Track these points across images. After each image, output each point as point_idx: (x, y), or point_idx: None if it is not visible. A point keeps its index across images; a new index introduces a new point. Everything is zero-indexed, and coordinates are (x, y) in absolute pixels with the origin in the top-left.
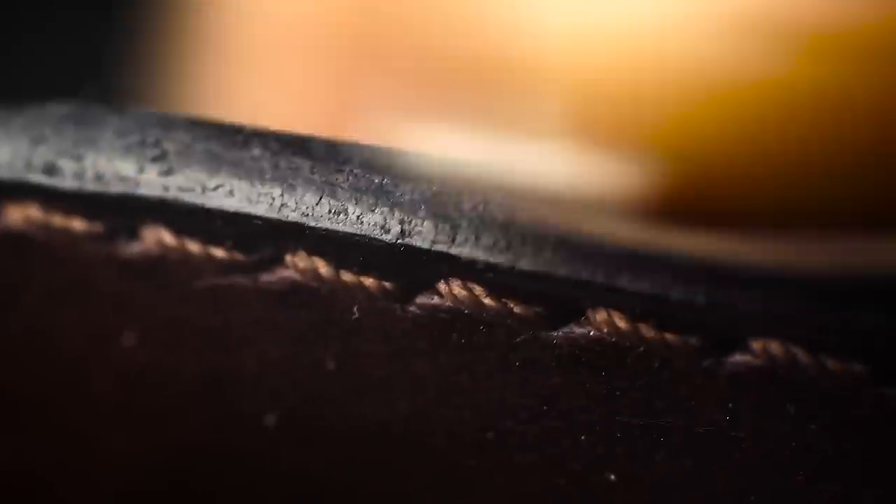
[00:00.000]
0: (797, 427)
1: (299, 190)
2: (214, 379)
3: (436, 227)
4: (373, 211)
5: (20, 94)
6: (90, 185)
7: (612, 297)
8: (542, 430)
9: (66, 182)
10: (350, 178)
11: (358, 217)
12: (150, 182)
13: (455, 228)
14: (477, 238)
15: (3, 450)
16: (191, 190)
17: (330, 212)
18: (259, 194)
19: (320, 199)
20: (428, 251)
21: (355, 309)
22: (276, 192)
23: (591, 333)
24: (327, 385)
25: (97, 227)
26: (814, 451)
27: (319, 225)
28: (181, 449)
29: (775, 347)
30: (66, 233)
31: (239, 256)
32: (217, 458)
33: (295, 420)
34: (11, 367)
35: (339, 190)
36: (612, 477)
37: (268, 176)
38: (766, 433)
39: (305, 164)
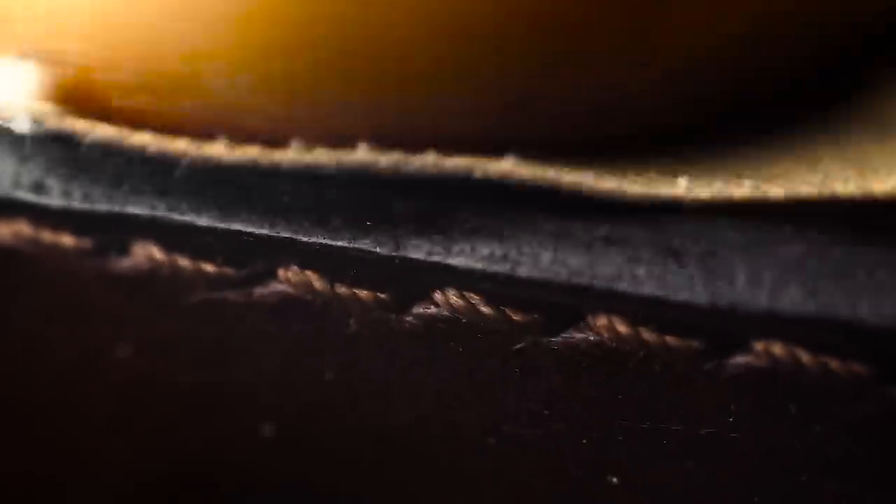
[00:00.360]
0: (800, 428)
1: (292, 208)
2: (208, 392)
3: (430, 238)
4: (367, 224)
5: None
6: (78, 204)
7: (612, 302)
8: (544, 435)
9: (55, 200)
10: (340, 190)
11: (351, 230)
12: (139, 200)
13: (450, 239)
14: (473, 248)
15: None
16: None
17: (321, 226)
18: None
19: (310, 213)
20: (423, 262)
21: (351, 321)
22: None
23: (592, 338)
24: (323, 397)
25: (86, 242)
26: (817, 452)
27: (312, 240)
28: (176, 462)
29: (777, 349)
30: (56, 248)
31: (230, 271)
32: (212, 470)
33: (291, 433)
34: (3, 382)
35: (331, 203)
36: (614, 480)
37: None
38: (769, 435)
39: (292, 182)
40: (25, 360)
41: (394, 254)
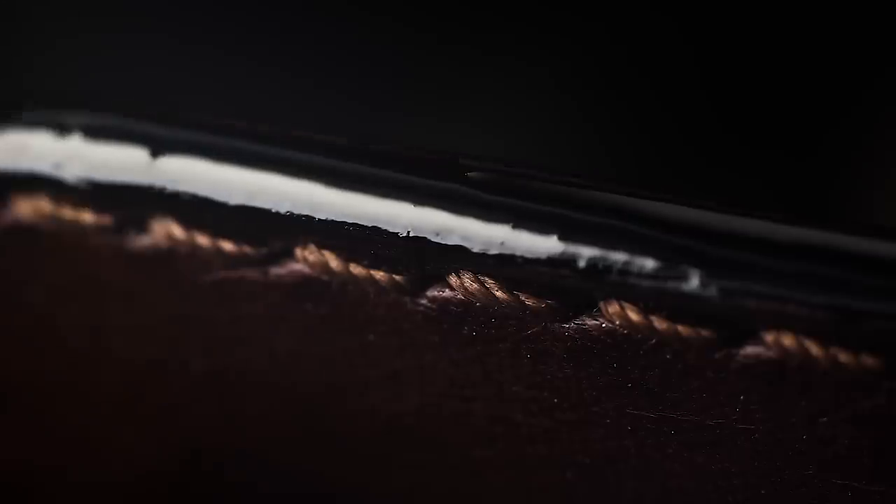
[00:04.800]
0: (808, 419)
1: (310, 182)
2: (221, 374)
3: (448, 220)
4: (384, 204)
5: (28, 90)
6: (99, 177)
7: (624, 289)
8: (553, 422)
9: (75, 174)
10: (362, 171)
11: (369, 210)
12: (159, 174)
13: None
14: (488, 230)
15: (10, 440)
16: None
17: (341, 204)
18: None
19: (332, 191)
20: (439, 244)
21: (366, 302)
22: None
23: (604, 325)
24: (336, 379)
25: (106, 219)
26: (825, 444)
27: (329, 218)
28: (188, 443)
29: (787, 340)
30: (76, 225)
31: (248, 250)
32: (223, 453)
33: (302, 415)
34: (19, 359)
35: (351, 183)
36: (623, 469)
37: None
38: (777, 425)
39: (318, 157)
40: (42, 339)
41: (409, 234)
